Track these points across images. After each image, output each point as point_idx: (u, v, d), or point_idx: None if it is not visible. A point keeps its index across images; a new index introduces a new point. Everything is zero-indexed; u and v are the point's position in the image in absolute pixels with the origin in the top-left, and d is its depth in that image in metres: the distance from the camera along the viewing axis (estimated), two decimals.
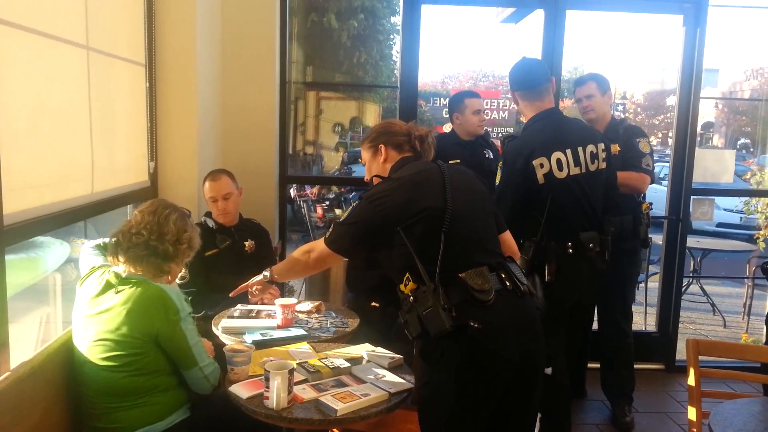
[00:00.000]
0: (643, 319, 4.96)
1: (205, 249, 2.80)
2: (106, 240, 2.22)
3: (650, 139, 3.35)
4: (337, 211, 8.52)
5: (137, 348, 1.83)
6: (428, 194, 1.80)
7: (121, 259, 1.91)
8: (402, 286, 1.77)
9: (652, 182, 3.02)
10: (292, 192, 8.57)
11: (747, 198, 5.11)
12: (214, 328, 2.40)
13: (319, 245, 1.95)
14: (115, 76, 2.60)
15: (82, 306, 1.92)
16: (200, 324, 2.66)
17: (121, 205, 2.67)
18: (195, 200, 3.06)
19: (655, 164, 3.15)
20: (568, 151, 2.35)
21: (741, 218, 5.25)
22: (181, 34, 2.97)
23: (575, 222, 2.37)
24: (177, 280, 2.72)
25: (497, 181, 2.44)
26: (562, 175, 2.34)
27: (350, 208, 1.91)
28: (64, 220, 2.13)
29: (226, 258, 2.83)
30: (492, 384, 1.73)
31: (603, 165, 2.44)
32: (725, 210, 6.95)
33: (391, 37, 10.20)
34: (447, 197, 1.78)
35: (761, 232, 4.73)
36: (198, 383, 1.95)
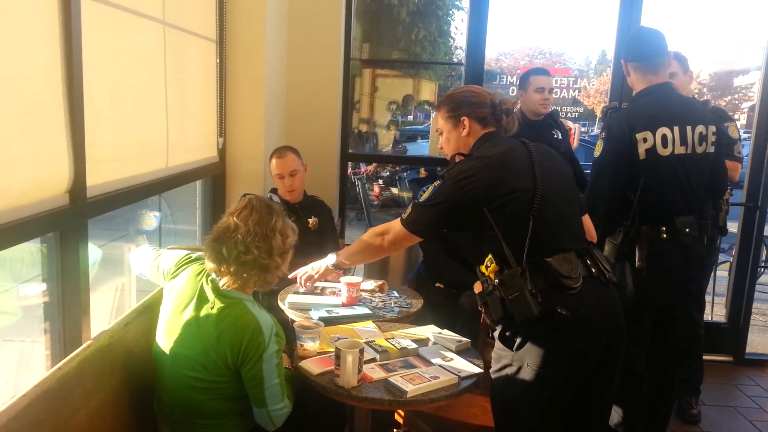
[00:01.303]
0: (710, 309, 4.76)
1: None
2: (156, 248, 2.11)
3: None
4: (393, 190, 8.52)
5: (222, 376, 1.72)
6: (517, 175, 1.72)
7: (223, 270, 1.74)
8: (483, 268, 1.72)
9: (742, 167, 2.86)
10: (347, 169, 8.58)
11: None
12: (280, 303, 2.43)
13: (394, 226, 1.88)
14: (188, 51, 2.63)
15: (170, 301, 1.82)
16: (265, 299, 2.71)
17: (192, 180, 2.73)
18: (261, 176, 3.10)
19: None
20: (676, 128, 2.22)
21: None
22: (251, 11, 2.98)
23: (672, 205, 2.25)
24: None
25: (596, 153, 2.33)
26: (666, 152, 2.22)
27: (431, 187, 1.79)
28: (142, 194, 2.19)
29: None
30: (574, 372, 1.70)
31: (711, 149, 2.30)
32: None
33: (451, 12, 10.01)
34: (537, 179, 1.70)
35: None
36: (262, 420, 1.80)
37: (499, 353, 1.75)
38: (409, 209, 1.84)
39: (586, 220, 1.94)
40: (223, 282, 1.76)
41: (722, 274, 4.51)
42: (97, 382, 1.64)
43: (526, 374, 1.68)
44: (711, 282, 4.86)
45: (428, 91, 10.99)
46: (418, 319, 2.43)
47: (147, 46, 2.21)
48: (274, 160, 2.88)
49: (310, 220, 2.93)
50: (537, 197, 1.68)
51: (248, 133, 3.06)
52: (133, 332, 1.90)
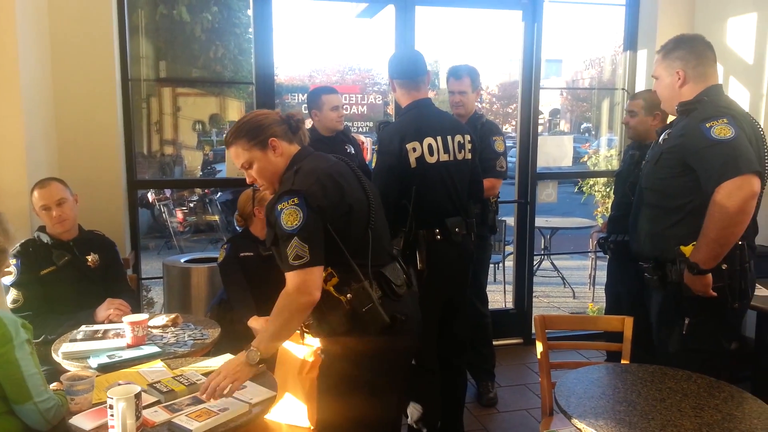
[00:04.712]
0: (503, 297, 5.29)
1: (40, 267, 2.55)
2: None
3: (505, 127, 3.53)
4: (205, 215, 8.17)
5: None
6: (352, 188, 1.77)
7: None
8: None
9: (504, 180, 3.22)
10: (151, 196, 8.07)
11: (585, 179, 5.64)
12: (54, 355, 2.18)
13: (297, 282, 1.65)
14: None
15: None
16: (39, 350, 2.41)
17: None
18: (26, 215, 2.77)
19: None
20: (439, 138, 2.44)
21: (582, 199, 5.78)
22: None
23: (442, 208, 2.46)
24: (9, 304, 2.46)
25: (373, 164, 2.49)
26: (433, 160, 2.42)
27: (288, 212, 1.65)
28: None
29: (66, 275, 2.58)
30: (401, 372, 1.86)
31: (469, 155, 2.55)
32: None
33: (249, 30, 9.88)
34: (367, 191, 1.78)
35: (599, 209, 5.22)
36: (32, 419, 1.72)
37: (336, 367, 1.79)
38: (298, 248, 1.63)
39: None
40: None
41: (511, 264, 5.03)
42: None
43: (364, 382, 1.75)
44: (502, 273, 5.44)
45: (234, 109, 10.76)
46: (216, 349, 2.34)
47: None
48: (35, 192, 2.58)
49: (90, 258, 2.67)
50: (372, 209, 1.77)
51: (6, 168, 2.72)
52: None
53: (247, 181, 1.89)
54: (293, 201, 1.65)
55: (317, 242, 1.66)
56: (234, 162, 1.88)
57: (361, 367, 1.75)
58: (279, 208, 1.67)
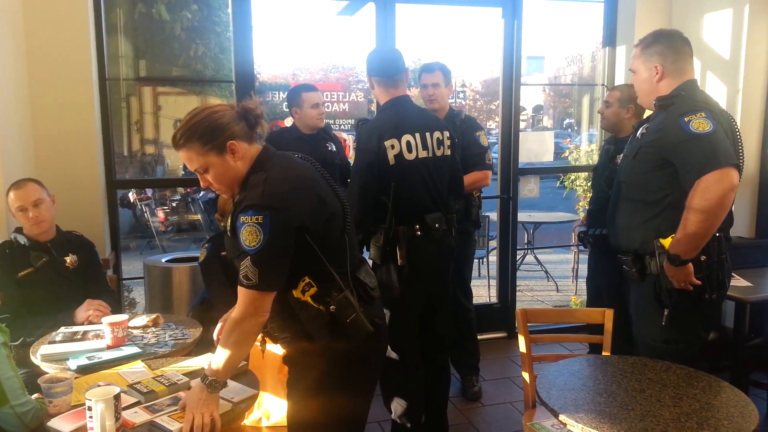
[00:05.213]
0: (487, 291, 5.32)
1: (17, 269, 2.52)
2: None
3: (489, 123, 3.54)
4: (188, 215, 8.10)
5: None
6: (326, 193, 1.68)
7: None
8: (297, 293, 1.61)
9: (493, 172, 3.23)
10: (132, 196, 7.98)
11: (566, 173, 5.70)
12: (32, 357, 2.15)
13: (245, 301, 1.57)
14: None
15: None
16: (18, 353, 2.39)
17: None
18: (2, 216, 2.72)
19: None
20: (417, 135, 2.43)
21: (563, 193, 5.82)
22: None
23: (421, 204, 2.46)
24: None
25: (353, 162, 2.49)
26: (411, 157, 2.42)
27: (249, 228, 1.51)
28: None
29: (44, 277, 2.55)
30: (376, 371, 1.83)
31: (448, 152, 2.55)
32: None
33: (230, 28, 9.82)
34: (339, 196, 1.72)
35: (581, 204, 5.27)
36: (9, 423, 1.70)
37: (313, 366, 1.72)
38: (249, 269, 1.53)
39: None
40: None
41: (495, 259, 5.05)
42: None
43: (340, 380, 1.70)
44: (486, 268, 5.47)
45: None
46: (198, 349, 2.32)
47: None
48: (11, 194, 2.55)
49: (68, 259, 2.64)
50: (347, 213, 1.71)
51: None
52: None
53: (202, 185, 1.71)
54: (257, 219, 1.50)
55: (273, 268, 1.55)
56: (186, 165, 1.68)
57: (339, 366, 1.71)
58: (242, 220, 1.52)
